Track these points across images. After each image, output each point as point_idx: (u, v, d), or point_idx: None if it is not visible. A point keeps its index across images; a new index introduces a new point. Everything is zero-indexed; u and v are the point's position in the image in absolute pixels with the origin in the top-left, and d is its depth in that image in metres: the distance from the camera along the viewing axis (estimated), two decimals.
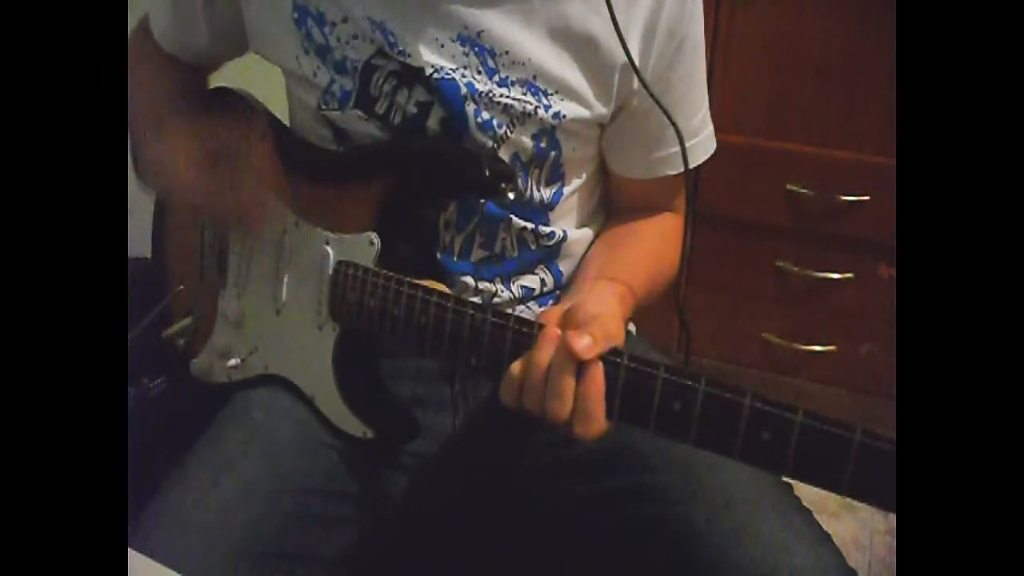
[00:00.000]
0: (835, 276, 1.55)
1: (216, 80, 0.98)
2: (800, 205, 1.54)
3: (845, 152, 1.49)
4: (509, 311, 0.82)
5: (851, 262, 1.55)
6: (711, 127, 0.88)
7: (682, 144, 0.78)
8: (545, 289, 0.87)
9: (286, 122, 0.89)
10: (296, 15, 0.78)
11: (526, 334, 0.66)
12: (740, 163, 1.54)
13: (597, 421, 0.63)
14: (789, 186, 1.52)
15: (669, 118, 0.76)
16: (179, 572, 0.57)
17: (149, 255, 0.97)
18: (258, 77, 0.90)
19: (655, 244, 0.88)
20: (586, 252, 0.89)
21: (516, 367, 0.65)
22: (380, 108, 0.79)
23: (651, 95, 0.76)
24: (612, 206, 0.92)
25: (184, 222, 0.94)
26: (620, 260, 0.84)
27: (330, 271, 0.78)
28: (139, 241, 0.89)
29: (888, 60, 1.39)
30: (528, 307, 0.87)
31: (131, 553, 0.55)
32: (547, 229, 0.84)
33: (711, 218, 1.60)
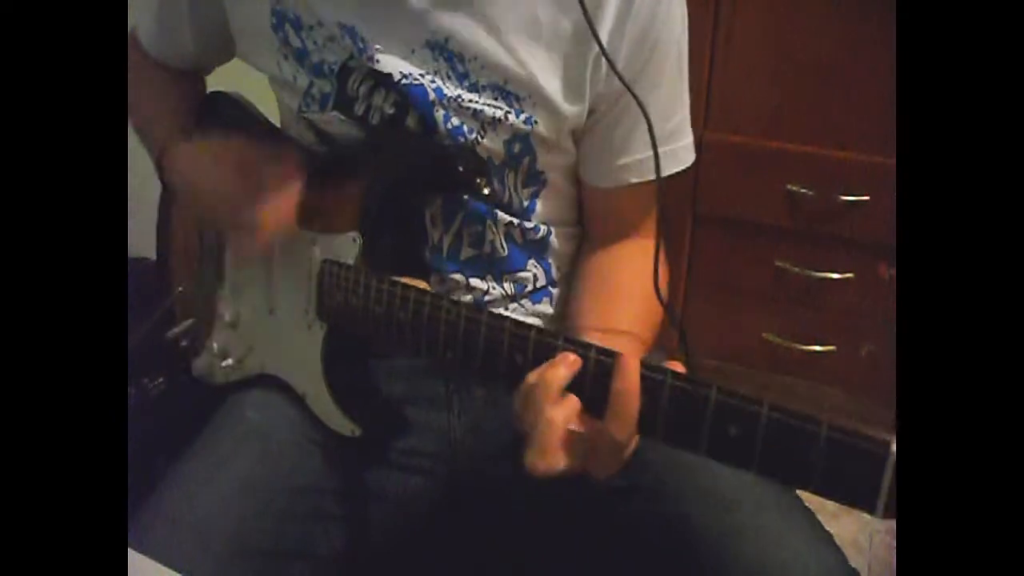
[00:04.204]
0: (835, 276, 1.55)
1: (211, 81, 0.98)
2: (800, 205, 1.54)
3: (845, 152, 1.49)
4: (501, 309, 0.82)
5: (851, 262, 1.55)
6: (688, 140, 0.85)
7: (655, 147, 0.74)
8: (538, 285, 0.87)
9: (276, 121, 0.90)
10: (274, 20, 0.79)
11: (497, 328, 0.65)
12: (740, 163, 1.54)
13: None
14: (789, 186, 1.52)
15: (641, 107, 0.73)
16: (176, 570, 0.57)
17: (149, 255, 0.98)
18: (252, 78, 0.90)
19: (644, 296, 0.82)
20: (574, 297, 0.86)
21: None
22: (359, 109, 0.79)
23: (624, 83, 0.73)
24: (585, 224, 0.90)
25: (187, 224, 0.94)
26: (615, 320, 0.80)
27: (316, 270, 0.78)
28: (140, 241, 0.89)
29: (888, 60, 1.39)
30: (521, 305, 0.87)
31: (131, 552, 0.55)
32: (530, 224, 0.84)
33: (711, 218, 1.60)
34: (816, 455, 0.52)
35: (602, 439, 0.60)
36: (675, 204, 0.93)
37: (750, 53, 1.49)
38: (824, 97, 1.48)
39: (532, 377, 0.62)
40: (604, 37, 0.75)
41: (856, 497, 0.51)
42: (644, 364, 0.59)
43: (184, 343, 0.90)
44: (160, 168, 0.85)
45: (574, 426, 0.60)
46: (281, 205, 0.75)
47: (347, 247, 0.77)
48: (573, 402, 0.61)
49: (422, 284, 0.74)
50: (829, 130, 1.49)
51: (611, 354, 0.60)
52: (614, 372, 0.59)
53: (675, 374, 0.58)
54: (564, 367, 0.61)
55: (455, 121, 0.77)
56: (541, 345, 0.63)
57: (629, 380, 0.58)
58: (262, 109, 0.91)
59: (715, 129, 1.53)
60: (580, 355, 0.61)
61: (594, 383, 0.60)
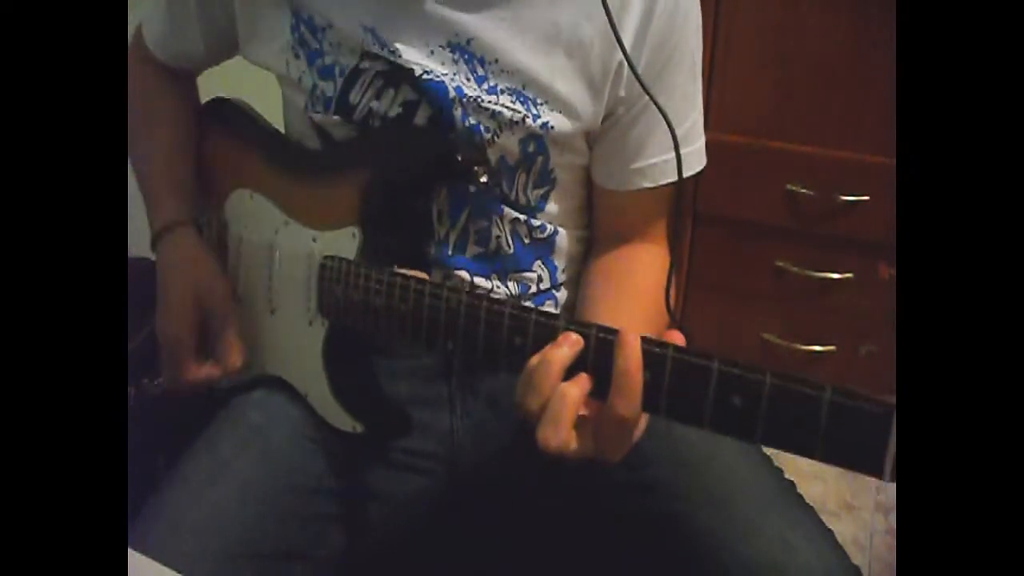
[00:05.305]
0: (835, 276, 1.55)
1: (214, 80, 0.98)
2: (800, 205, 1.54)
3: (845, 152, 1.49)
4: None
5: (851, 262, 1.54)
6: (700, 144, 0.85)
7: (676, 148, 0.75)
8: (542, 287, 0.87)
9: (279, 124, 0.90)
10: (293, 20, 0.79)
11: (497, 311, 0.65)
12: (740, 163, 1.54)
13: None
14: (789, 186, 1.52)
15: (662, 113, 0.74)
16: (176, 571, 0.57)
17: (150, 255, 0.98)
18: (253, 80, 0.90)
19: (653, 296, 0.83)
20: (583, 294, 0.86)
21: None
22: (359, 116, 0.79)
23: (646, 92, 0.74)
24: (594, 228, 0.90)
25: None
26: (624, 316, 0.80)
27: (316, 267, 0.78)
28: (140, 241, 0.89)
29: (888, 60, 1.39)
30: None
31: (131, 553, 0.55)
32: (537, 222, 0.84)
33: (711, 218, 1.60)
34: (821, 421, 0.52)
35: (609, 418, 0.59)
36: (677, 207, 0.93)
37: (750, 53, 1.49)
38: (824, 97, 1.48)
39: (534, 359, 0.61)
40: (628, 41, 0.75)
41: (862, 462, 0.51)
42: (645, 339, 0.59)
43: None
44: (153, 244, 0.87)
45: (581, 409, 0.60)
46: (212, 372, 0.82)
47: (347, 242, 0.77)
48: (584, 378, 0.60)
49: (422, 275, 0.74)
50: (829, 130, 1.49)
51: (612, 332, 0.60)
52: (615, 349, 0.59)
53: (677, 348, 0.58)
54: (566, 347, 0.61)
55: (472, 120, 0.77)
56: (541, 327, 0.63)
57: (631, 356, 0.58)
58: (262, 109, 0.92)
59: (715, 129, 1.51)
60: (581, 334, 0.61)
61: (596, 362, 0.60)
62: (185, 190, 0.89)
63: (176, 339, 0.81)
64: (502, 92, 0.77)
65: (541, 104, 0.77)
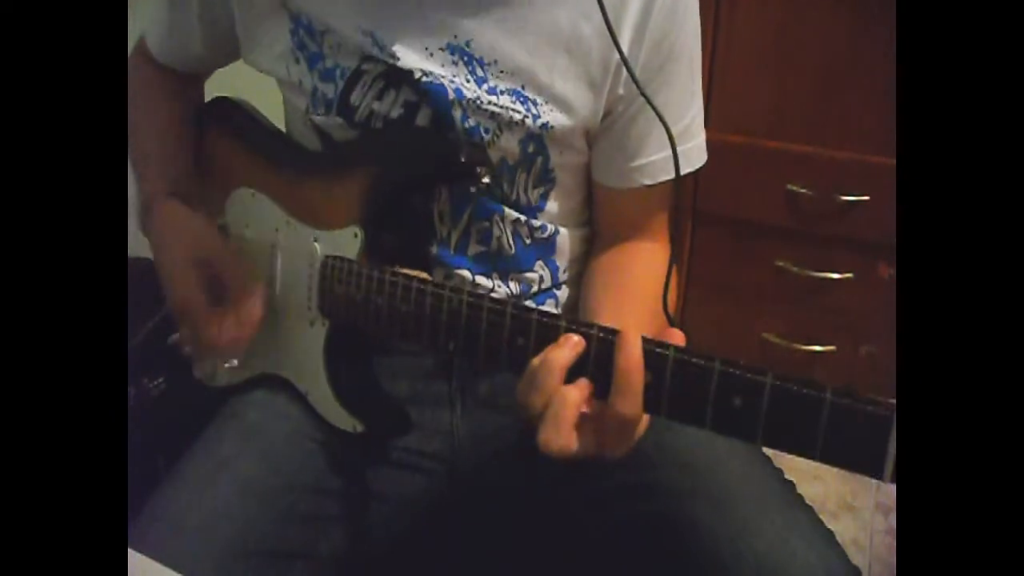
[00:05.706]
0: (835, 276, 1.55)
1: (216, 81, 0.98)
2: (800, 205, 1.53)
3: (845, 152, 1.49)
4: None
5: (851, 262, 1.54)
6: (700, 140, 0.86)
7: (673, 147, 0.75)
8: (543, 286, 0.87)
9: (281, 123, 0.90)
10: (291, 25, 0.79)
11: (499, 312, 0.65)
12: (740, 163, 1.54)
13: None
14: (789, 186, 1.52)
15: (659, 115, 0.74)
16: (178, 571, 0.57)
17: (150, 255, 0.98)
18: (256, 81, 0.90)
19: (655, 294, 0.83)
20: (585, 292, 0.86)
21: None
22: (360, 116, 0.79)
23: (642, 93, 0.74)
24: (595, 225, 0.90)
25: None
26: (626, 313, 0.80)
27: (318, 266, 0.78)
28: (140, 241, 0.89)
29: (888, 60, 1.39)
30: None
31: (131, 553, 0.55)
32: (538, 223, 0.84)
33: (711, 218, 1.60)
34: (821, 422, 0.52)
35: (610, 418, 0.60)
36: (675, 204, 0.93)
37: (750, 53, 1.49)
38: (824, 97, 1.48)
39: (536, 360, 0.62)
40: (624, 43, 0.75)
41: (862, 463, 0.52)
42: (646, 339, 0.59)
43: (187, 348, 0.90)
44: (142, 221, 0.86)
45: (583, 407, 0.61)
46: (234, 331, 0.78)
47: (349, 242, 0.77)
48: (584, 381, 0.61)
49: (424, 275, 0.74)
50: (829, 130, 1.49)
51: (613, 332, 0.61)
52: (616, 349, 0.59)
53: (678, 348, 0.58)
54: (568, 348, 0.61)
55: (471, 121, 0.77)
56: (543, 328, 0.63)
57: (632, 356, 0.58)
58: (264, 109, 0.92)
59: (715, 129, 1.52)
60: (583, 335, 0.61)
61: (598, 363, 0.61)
62: (174, 165, 0.89)
63: (185, 301, 0.79)
64: (502, 93, 0.77)
65: (541, 104, 0.78)
